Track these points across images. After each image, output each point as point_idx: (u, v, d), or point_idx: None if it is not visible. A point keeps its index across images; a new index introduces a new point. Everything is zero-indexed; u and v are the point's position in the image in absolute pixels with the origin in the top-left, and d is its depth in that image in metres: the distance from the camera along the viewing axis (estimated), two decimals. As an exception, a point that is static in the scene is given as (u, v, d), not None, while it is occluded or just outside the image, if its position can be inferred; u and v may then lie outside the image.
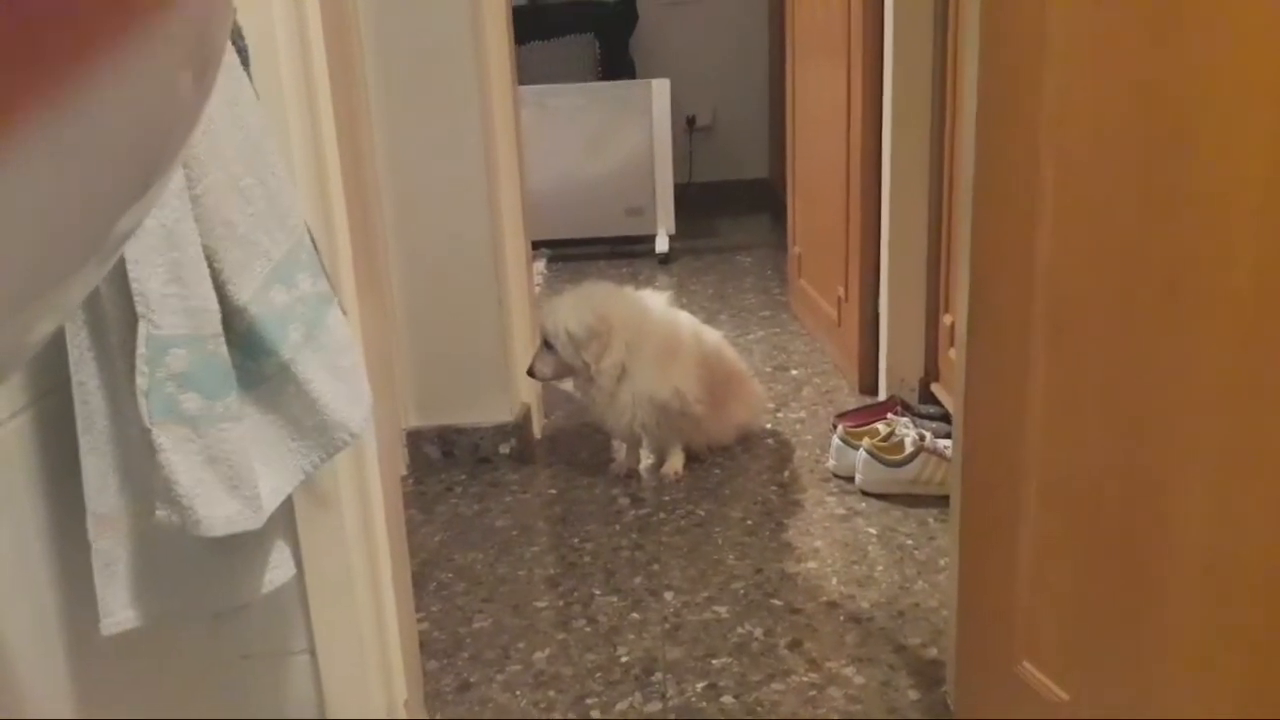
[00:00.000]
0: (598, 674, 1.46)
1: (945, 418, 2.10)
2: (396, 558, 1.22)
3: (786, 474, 2.09)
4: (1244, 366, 0.82)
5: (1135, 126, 0.88)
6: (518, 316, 2.30)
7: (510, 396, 2.23)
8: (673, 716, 1.36)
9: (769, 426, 2.32)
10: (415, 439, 2.22)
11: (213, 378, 0.82)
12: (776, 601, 1.62)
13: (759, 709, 1.36)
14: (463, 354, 2.18)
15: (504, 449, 2.24)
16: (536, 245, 3.56)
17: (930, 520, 1.85)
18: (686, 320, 2.19)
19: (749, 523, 1.89)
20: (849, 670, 1.43)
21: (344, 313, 0.98)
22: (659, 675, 1.45)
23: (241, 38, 0.91)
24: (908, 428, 1.99)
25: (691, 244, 4.25)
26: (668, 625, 1.57)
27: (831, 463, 2.05)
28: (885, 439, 1.97)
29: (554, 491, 2.09)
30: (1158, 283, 0.88)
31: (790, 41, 3.04)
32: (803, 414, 2.39)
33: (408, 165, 2.07)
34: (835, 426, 2.07)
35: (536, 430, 2.38)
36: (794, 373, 2.68)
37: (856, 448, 1.97)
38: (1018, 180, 1.04)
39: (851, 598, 1.62)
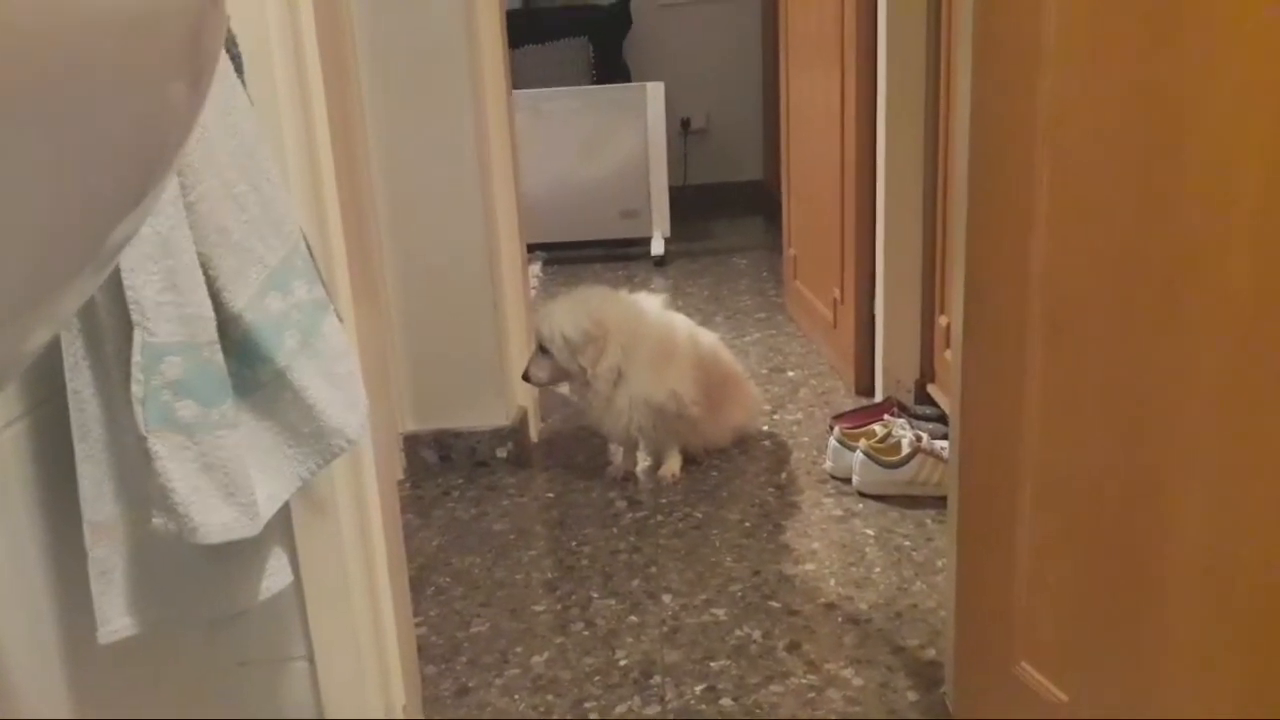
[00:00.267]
0: (596, 677, 1.46)
1: (942, 419, 2.10)
2: (394, 562, 1.22)
3: (783, 476, 2.09)
4: (1242, 367, 0.82)
5: (1134, 127, 0.88)
6: (513, 320, 2.30)
7: (507, 400, 2.23)
8: (671, 719, 1.36)
9: (765, 428, 2.32)
10: (412, 443, 2.22)
11: (208, 385, 0.82)
12: (774, 603, 1.62)
13: (758, 711, 1.36)
14: (459, 358, 2.18)
15: (501, 453, 2.24)
16: (532, 248, 3.57)
17: (928, 521, 1.85)
18: (682, 323, 2.19)
19: (746, 525, 1.89)
20: (847, 672, 1.43)
21: (340, 319, 0.98)
22: (657, 678, 1.44)
23: (235, 45, 0.91)
24: (904, 429, 1.99)
25: (687, 246, 4.26)
26: (666, 628, 1.57)
27: (828, 464, 2.05)
28: (882, 440, 1.97)
29: (551, 495, 2.09)
30: (1156, 283, 0.88)
31: (784, 43, 3.04)
32: (799, 416, 2.39)
33: (402, 170, 2.06)
34: (832, 428, 2.07)
35: (533, 434, 2.37)
36: (790, 374, 2.68)
37: (853, 449, 1.97)
38: (1014, 181, 1.04)
39: (849, 599, 1.62)
